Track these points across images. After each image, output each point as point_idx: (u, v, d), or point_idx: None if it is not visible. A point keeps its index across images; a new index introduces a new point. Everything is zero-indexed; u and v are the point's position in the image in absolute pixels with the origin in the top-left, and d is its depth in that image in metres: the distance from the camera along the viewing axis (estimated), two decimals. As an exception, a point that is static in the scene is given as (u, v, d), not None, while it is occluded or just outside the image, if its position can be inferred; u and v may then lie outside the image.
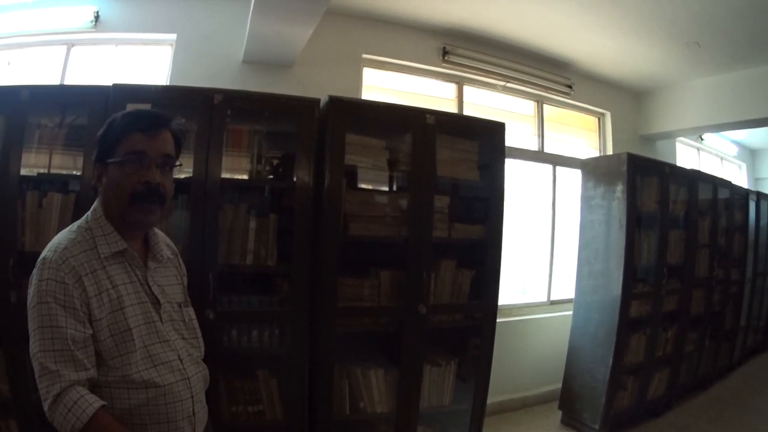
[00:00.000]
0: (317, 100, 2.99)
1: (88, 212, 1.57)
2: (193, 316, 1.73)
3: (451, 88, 4.85)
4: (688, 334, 5.02)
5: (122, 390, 1.43)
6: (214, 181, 2.75)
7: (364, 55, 4.28)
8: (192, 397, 1.55)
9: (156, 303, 1.57)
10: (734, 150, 8.40)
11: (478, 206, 3.47)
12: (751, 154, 9.13)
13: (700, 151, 7.84)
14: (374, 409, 3.15)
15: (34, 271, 1.45)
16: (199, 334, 1.72)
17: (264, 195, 3.13)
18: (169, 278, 1.69)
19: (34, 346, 1.38)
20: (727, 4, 3.91)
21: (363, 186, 3.23)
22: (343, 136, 2.97)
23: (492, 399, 4.35)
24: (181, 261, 1.83)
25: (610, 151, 5.83)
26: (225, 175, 2.83)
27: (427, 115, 3.18)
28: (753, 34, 4.42)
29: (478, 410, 3.42)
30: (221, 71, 3.74)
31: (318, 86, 3.55)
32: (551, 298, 5.36)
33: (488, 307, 3.39)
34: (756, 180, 8.96)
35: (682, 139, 7.14)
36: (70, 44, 3.74)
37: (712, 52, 4.88)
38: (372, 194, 3.24)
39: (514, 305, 5.09)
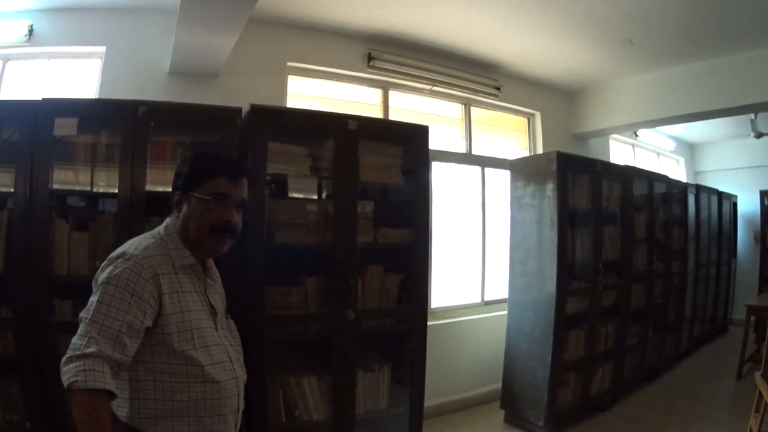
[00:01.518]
0: (239, 109, 2.99)
1: (160, 227, 1.74)
2: (235, 327, 1.89)
3: (377, 93, 4.86)
4: (630, 328, 5.11)
5: (182, 384, 1.56)
6: (139, 194, 2.74)
7: (289, 63, 4.27)
8: (238, 394, 1.72)
9: (213, 312, 1.75)
10: (671, 145, 8.59)
11: (405, 210, 3.49)
12: (689, 149, 9.37)
13: (636, 148, 7.99)
14: (311, 417, 3.14)
15: (111, 261, 1.58)
16: (240, 343, 1.87)
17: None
18: (219, 294, 1.85)
19: (86, 313, 1.49)
20: (660, 2, 3.97)
21: (288, 194, 3.23)
22: (265, 144, 2.99)
23: (432, 401, 4.40)
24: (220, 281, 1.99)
25: (540, 151, 5.88)
26: (150, 187, 2.80)
27: (349, 121, 3.22)
28: (686, 30, 4.51)
29: (416, 413, 3.44)
30: (148, 83, 3.72)
31: (243, 95, 3.54)
32: (485, 299, 5.39)
33: (418, 310, 3.42)
34: (696, 173, 9.20)
35: (616, 136, 7.26)
36: (5, 59, 3.71)
37: (646, 50, 4.96)
38: (297, 202, 3.24)
39: (447, 307, 5.10)
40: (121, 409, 1.57)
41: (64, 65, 3.86)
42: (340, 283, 3.13)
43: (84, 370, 1.38)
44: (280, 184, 3.18)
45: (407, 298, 3.42)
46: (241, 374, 1.76)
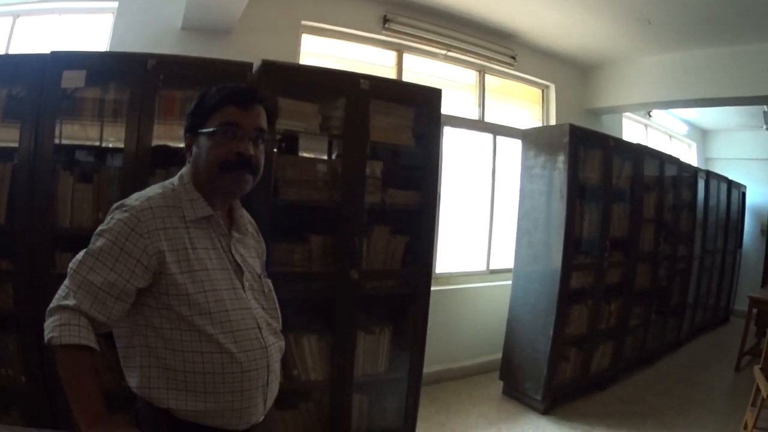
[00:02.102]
0: (250, 64, 2.92)
1: (175, 178, 1.59)
2: (272, 288, 1.72)
3: (392, 56, 4.80)
4: (633, 308, 5.10)
5: (196, 353, 1.41)
6: (145, 148, 2.69)
7: (303, 22, 4.20)
8: (267, 366, 1.53)
9: (238, 271, 1.57)
10: (684, 129, 8.52)
11: (414, 173, 3.43)
12: (702, 134, 9.28)
13: (648, 128, 7.93)
14: (308, 377, 3.10)
15: (111, 210, 1.47)
16: (277, 306, 1.72)
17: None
18: (250, 250, 1.69)
19: (74, 263, 1.41)
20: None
21: (297, 151, 3.20)
22: (275, 101, 2.92)
23: (431, 368, 4.41)
24: (261, 239, 1.84)
25: (553, 124, 5.83)
26: (157, 142, 2.76)
27: (362, 80, 3.14)
28: (707, 14, 4.43)
29: (415, 378, 3.41)
30: (160, 38, 3.65)
31: (256, 52, 3.45)
32: (491, 268, 5.38)
33: (422, 274, 3.37)
34: (707, 160, 9.11)
35: (629, 114, 7.23)
36: (16, 15, 3.64)
37: (663, 31, 4.89)
38: (304, 159, 3.20)
39: (452, 273, 5.09)
40: (131, 377, 1.46)
41: (76, 21, 3.80)
42: (346, 242, 3.08)
43: (59, 325, 1.32)
44: (290, 141, 3.13)
45: (412, 262, 3.38)
46: (274, 342, 1.59)
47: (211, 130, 1.51)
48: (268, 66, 2.94)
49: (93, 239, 1.43)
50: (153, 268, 1.41)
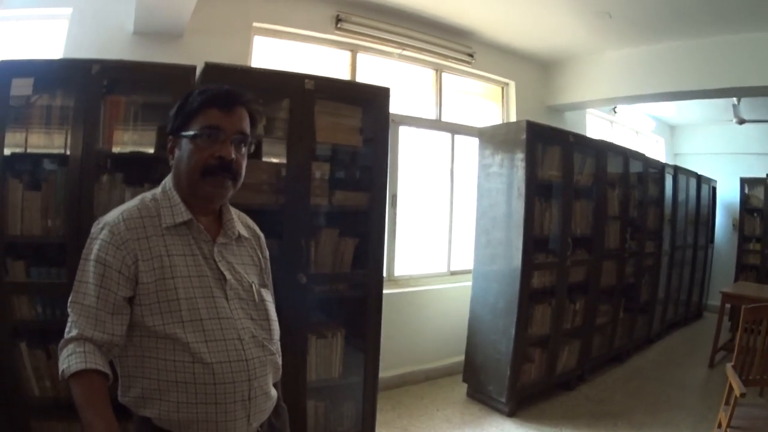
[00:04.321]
0: (193, 68, 2.86)
1: (158, 187, 1.58)
2: (268, 299, 1.66)
3: (346, 56, 4.75)
4: (599, 306, 5.06)
5: (168, 362, 1.39)
6: (90, 153, 2.65)
7: (255, 24, 4.14)
8: (249, 380, 1.46)
9: (221, 279, 1.52)
10: (651, 125, 8.51)
11: (362, 174, 3.40)
12: (670, 130, 9.31)
13: (614, 124, 7.93)
14: (258, 383, 3.04)
15: (92, 228, 1.49)
16: (272, 317, 1.65)
17: (141, 168, 2.98)
18: (242, 257, 1.64)
19: (71, 296, 1.43)
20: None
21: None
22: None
23: (393, 371, 4.37)
24: (263, 244, 1.80)
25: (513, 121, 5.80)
26: (103, 148, 2.75)
27: (306, 80, 3.07)
28: (668, 7, 4.40)
29: (371, 382, 3.35)
30: (113, 43, 3.59)
31: (207, 55, 3.38)
32: (451, 269, 5.34)
33: (373, 276, 3.31)
34: (675, 155, 9.13)
35: (593, 111, 7.21)
36: None
37: (625, 24, 4.86)
38: (248, 162, 3.10)
39: (412, 275, 5.04)
40: (118, 386, 1.47)
41: (32, 27, 3.73)
42: (292, 246, 3.02)
43: (67, 356, 1.34)
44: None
45: (363, 264, 3.32)
46: (258, 356, 1.50)
47: (192, 133, 1.49)
48: (210, 68, 2.89)
49: (79, 264, 1.45)
50: (132, 277, 1.42)
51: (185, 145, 1.50)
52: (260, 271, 1.71)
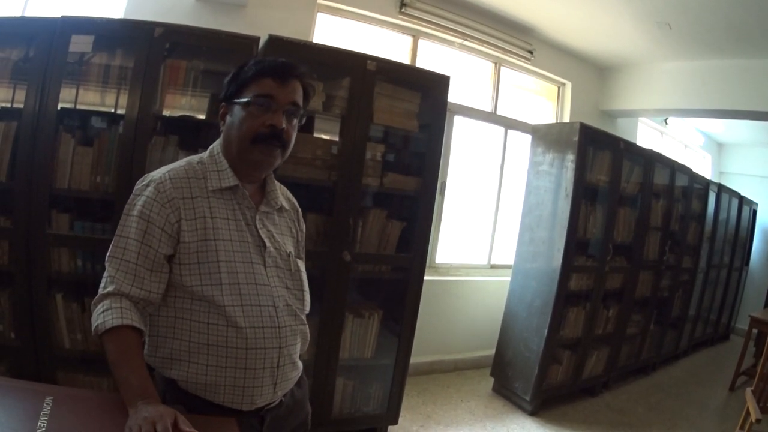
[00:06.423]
0: (257, 38, 2.88)
1: (206, 151, 1.61)
2: (302, 269, 1.68)
3: (407, 41, 4.72)
4: (631, 316, 5.02)
5: (202, 324, 1.42)
6: (146, 114, 2.67)
7: (319, 0, 4.13)
8: (279, 347, 1.49)
9: (261, 245, 1.54)
10: (701, 140, 8.37)
11: (415, 159, 3.40)
12: (718, 147, 9.13)
13: (664, 135, 7.80)
14: (292, 357, 3.08)
15: (136, 185, 1.50)
16: (305, 288, 1.67)
17: (197, 132, 3.01)
18: (281, 227, 1.67)
19: (109, 250, 1.44)
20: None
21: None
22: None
23: (423, 358, 4.40)
24: (301, 217, 1.82)
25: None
26: (161, 111, 2.78)
27: (368, 61, 3.09)
28: (726, 24, 4.33)
29: (401, 367, 3.37)
30: (175, 8, 3.61)
31: (269, 28, 3.40)
32: (492, 262, 5.32)
33: (417, 261, 3.32)
34: (720, 173, 8.96)
35: (646, 121, 7.11)
36: None
37: (683, 37, 4.79)
38: (303, 136, 3.13)
39: (452, 264, 5.04)
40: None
41: None
42: (340, 223, 3.04)
43: (102, 312, 1.35)
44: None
45: (407, 248, 3.33)
46: (290, 324, 1.53)
47: (245, 100, 1.50)
48: (274, 41, 2.90)
49: (121, 219, 1.46)
50: (175, 235, 1.43)
51: (238, 112, 1.52)
52: (296, 243, 1.74)
